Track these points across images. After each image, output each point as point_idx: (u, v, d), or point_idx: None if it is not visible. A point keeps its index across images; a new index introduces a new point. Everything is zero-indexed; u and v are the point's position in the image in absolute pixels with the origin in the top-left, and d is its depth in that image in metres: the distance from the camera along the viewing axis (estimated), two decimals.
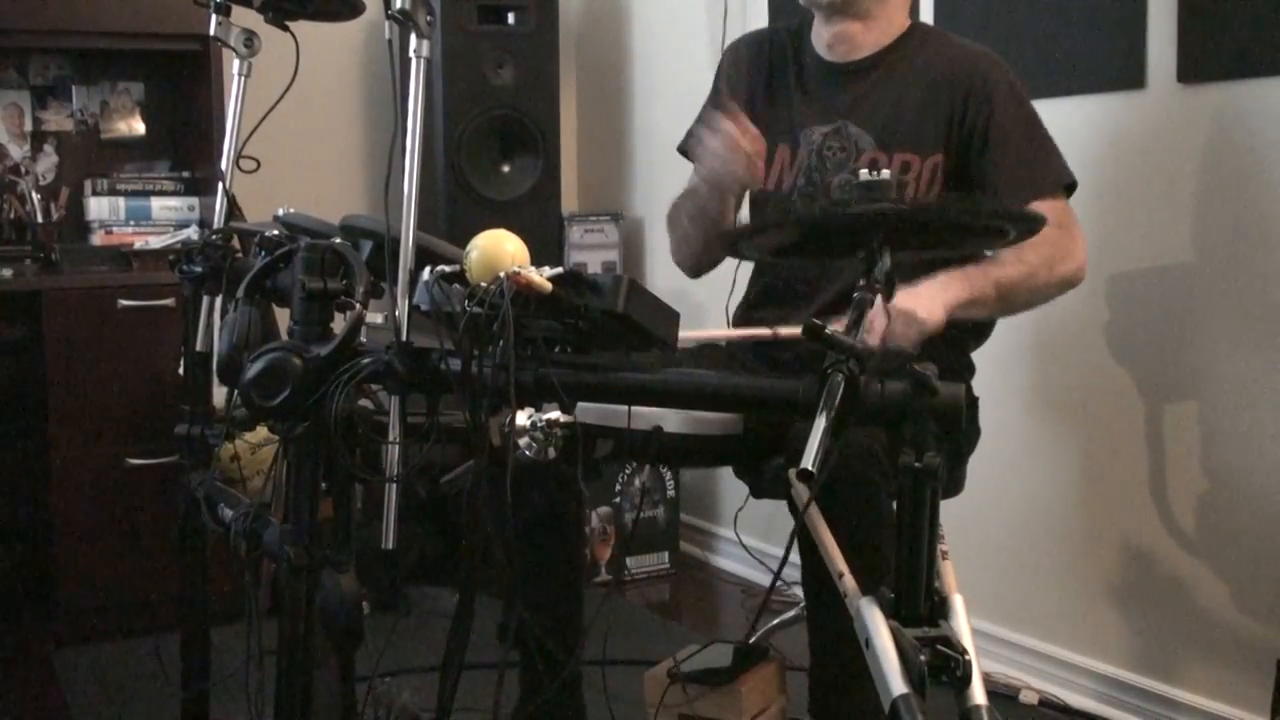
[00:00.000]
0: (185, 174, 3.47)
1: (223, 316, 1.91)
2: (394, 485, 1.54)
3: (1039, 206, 2.02)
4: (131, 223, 3.38)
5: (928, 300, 1.89)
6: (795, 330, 1.67)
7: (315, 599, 1.58)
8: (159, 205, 3.41)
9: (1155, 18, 2.40)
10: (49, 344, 3.02)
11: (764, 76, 2.27)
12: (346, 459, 1.55)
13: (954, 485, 2.16)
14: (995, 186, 2.06)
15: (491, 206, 3.53)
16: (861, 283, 1.39)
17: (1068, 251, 2.04)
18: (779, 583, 3.34)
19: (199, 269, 1.96)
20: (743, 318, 2.35)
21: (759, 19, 3.33)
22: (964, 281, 1.96)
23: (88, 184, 3.41)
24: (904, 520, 1.29)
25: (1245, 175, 2.31)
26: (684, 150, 2.35)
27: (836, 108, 2.18)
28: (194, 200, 3.43)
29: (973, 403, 2.10)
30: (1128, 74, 2.46)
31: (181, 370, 2.09)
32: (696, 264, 2.31)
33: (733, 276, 2.34)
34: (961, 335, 2.20)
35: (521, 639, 1.92)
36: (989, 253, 2.04)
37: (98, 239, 3.36)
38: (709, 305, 2.74)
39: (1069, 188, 2.13)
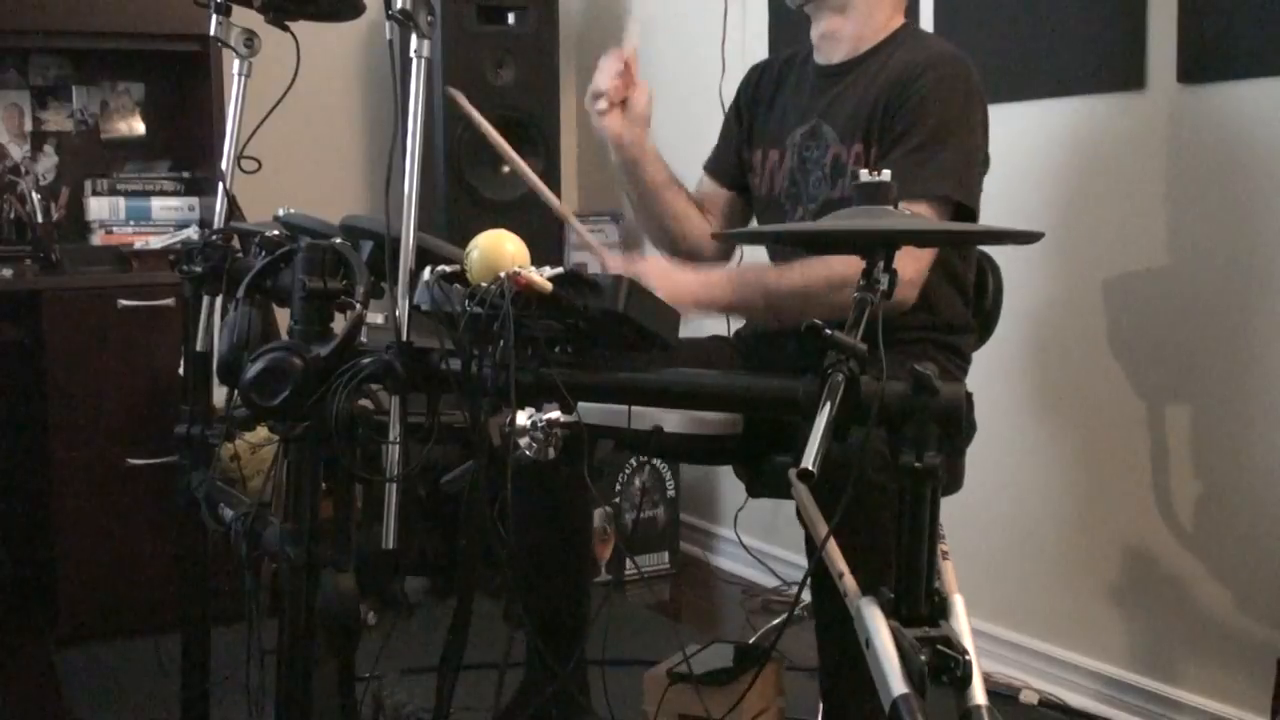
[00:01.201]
0: (185, 174, 3.47)
1: (223, 316, 1.91)
2: (394, 485, 1.54)
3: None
4: (132, 223, 3.38)
5: (674, 290, 1.93)
6: None
7: (315, 599, 1.58)
8: (159, 205, 3.41)
9: (1155, 18, 2.40)
10: (49, 344, 3.02)
11: (769, 89, 2.32)
12: (347, 459, 1.55)
13: (953, 481, 2.16)
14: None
15: (492, 207, 3.53)
16: (862, 283, 1.39)
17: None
18: (779, 583, 3.37)
19: (199, 269, 1.96)
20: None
21: (759, 18, 3.33)
22: (728, 288, 2.02)
23: (88, 184, 3.41)
24: (904, 520, 1.29)
25: (1245, 176, 2.31)
26: (710, 169, 2.42)
27: (815, 109, 2.21)
28: (194, 200, 3.44)
29: (967, 397, 2.10)
30: (1128, 74, 2.46)
31: (182, 370, 2.09)
32: (668, 243, 2.35)
33: None
34: (959, 336, 2.20)
35: (524, 630, 1.92)
36: None
37: (98, 239, 3.36)
38: None
39: (945, 204, 2.03)
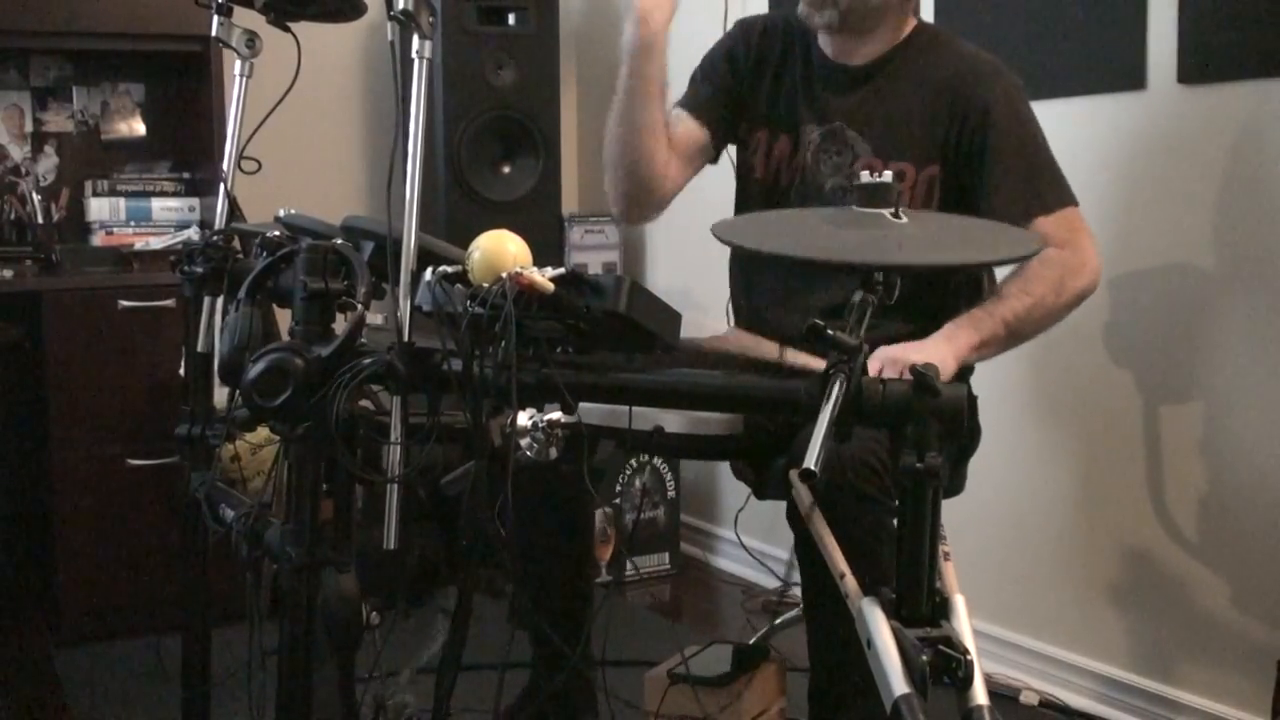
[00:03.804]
0: (186, 175, 3.47)
1: (224, 317, 1.91)
2: (395, 486, 1.54)
3: (1048, 222, 2.02)
4: (132, 223, 3.38)
5: (933, 354, 1.86)
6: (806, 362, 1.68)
7: (316, 599, 1.58)
8: (159, 206, 3.41)
9: (1155, 18, 2.40)
10: (49, 345, 3.02)
11: (773, 61, 2.24)
12: (348, 459, 1.55)
13: (955, 485, 2.16)
14: (995, 204, 2.03)
15: (492, 207, 3.53)
16: (862, 284, 1.39)
17: (1076, 268, 2.01)
18: (780, 583, 3.37)
19: (200, 270, 1.96)
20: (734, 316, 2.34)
21: None
22: (970, 327, 1.95)
23: (88, 185, 3.41)
24: (905, 521, 1.29)
25: (1245, 176, 2.31)
26: (690, 107, 2.31)
27: (835, 110, 2.16)
28: (194, 201, 3.44)
29: (971, 401, 2.10)
30: (1128, 75, 2.46)
31: (182, 371, 2.09)
32: (628, 194, 2.24)
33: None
34: None
35: (529, 633, 1.93)
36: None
37: (98, 240, 3.36)
38: (709, 307, 2.74)
39: (1074, 206, 2.09)
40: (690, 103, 2.28)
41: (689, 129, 2.26)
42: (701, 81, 2.29)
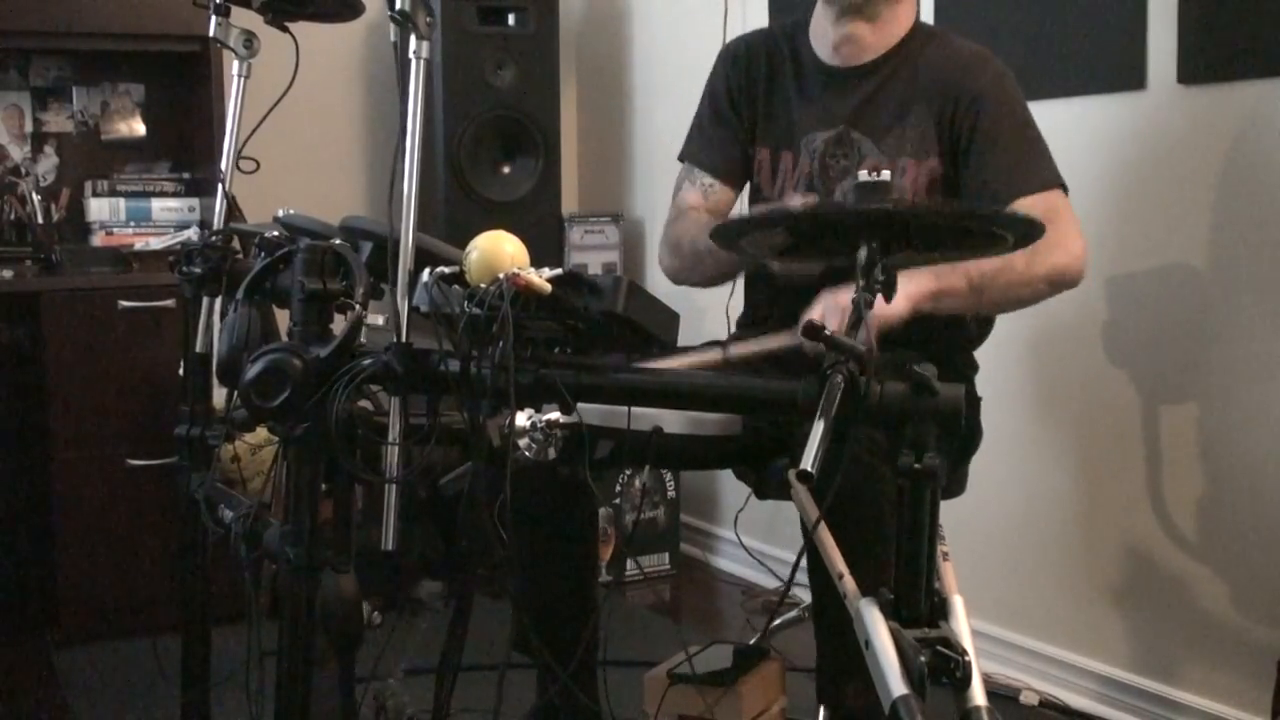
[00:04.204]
0: (185, 175, 3.48)
1: (223, 317, 1.91)
2: (394, 486, 1.54)
3: (1027, 202, 1.99)
4: (132, 224, 3.38)
5: (887, 311, 1.82)
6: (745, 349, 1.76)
7: (315, 600, 1.58)
8: (159, 206, 3.42)
9: (1155, 18, 2.40)
10: (49, 345, 3.02)
11: (763, 80, 2.24)
12: (346, 460, 1.55)
13: (956, 486, 2.16)
14: (980, 186, 2.04)
15: (491, 207, 3.54)
16: (861, 283, 1.39)
17: (1052, 243, 1.93)
18: (779, 584, 3.37)
19: (199, 270, 1.96)
20: (744, 326, 2.33)
21: (759, 18, 3.33)
22: (930, 274, 1.91)
23: (88, 185, 3.42)
24: (904, 521, 1.29)
25: (1245, 176, 2.31)
26: (717, 173, 2.34)
27: (839, 114, 2.16)
28: (194, 201, 3.44)
29: (975, 402, 2.10)
30: (1128, 75, 2.46)
31: (181, 371, 2.09)
32: (709, 283, 2.30)
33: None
34: (962, 333, 2.20)
35: (528, 642, 1.92)
36: None
37: (98, 240, 3.36)
38: (708, 307, 2.75)
39: (1062, 188, 2.07)
40: (721, 170, 2.29)
41: (726, 197, 2.30)
42: (721, 137, 2.29)
